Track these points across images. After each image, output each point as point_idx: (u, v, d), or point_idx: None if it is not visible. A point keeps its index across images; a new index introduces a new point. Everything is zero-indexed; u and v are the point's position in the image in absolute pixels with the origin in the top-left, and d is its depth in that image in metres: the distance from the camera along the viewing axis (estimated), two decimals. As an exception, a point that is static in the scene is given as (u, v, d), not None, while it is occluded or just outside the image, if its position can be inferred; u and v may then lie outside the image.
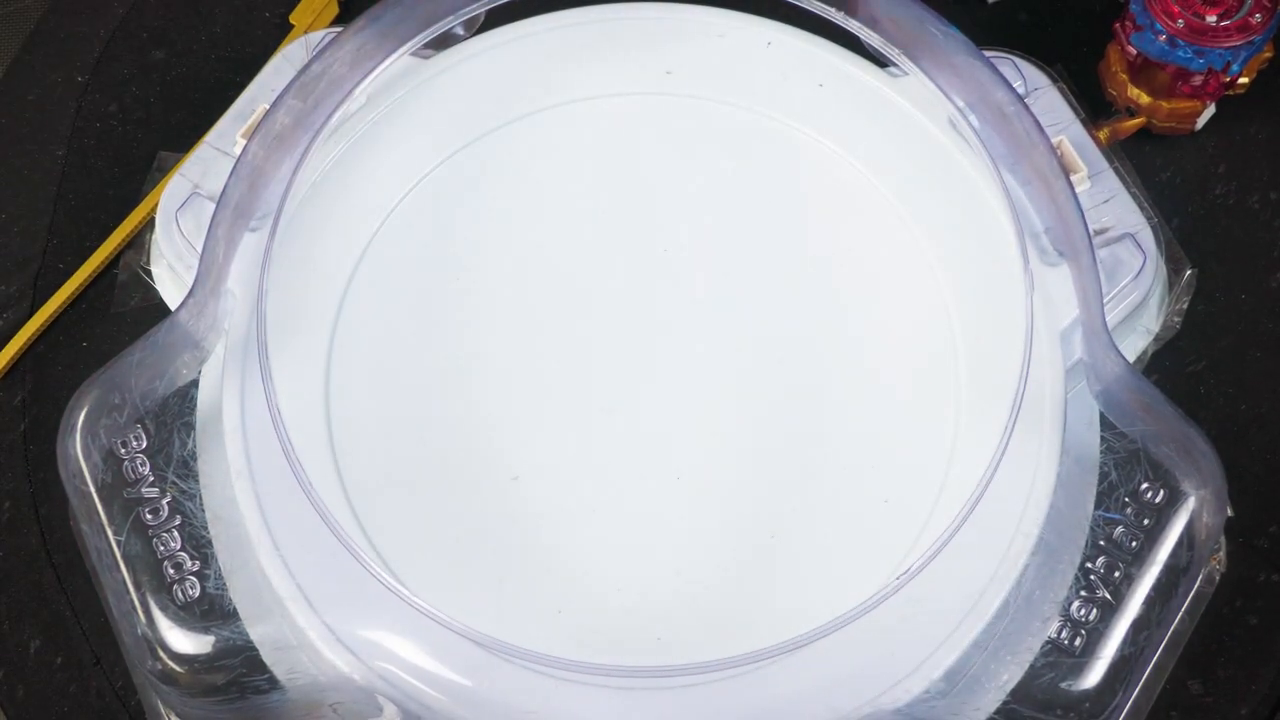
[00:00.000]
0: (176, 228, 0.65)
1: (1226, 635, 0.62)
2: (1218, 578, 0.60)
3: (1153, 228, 0.64)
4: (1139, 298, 0.63)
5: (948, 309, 0.62)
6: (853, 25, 0.65)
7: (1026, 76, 0.67)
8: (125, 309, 0.70)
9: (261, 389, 0.58)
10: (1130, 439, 0.59)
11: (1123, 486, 0.58)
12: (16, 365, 0.69)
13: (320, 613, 0.56)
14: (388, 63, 0.66)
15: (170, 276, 0.67)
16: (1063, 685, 0.56)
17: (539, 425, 0.61)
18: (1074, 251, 0.60)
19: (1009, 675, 0.57)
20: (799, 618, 0.54)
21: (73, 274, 0.70)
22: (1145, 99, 0.70)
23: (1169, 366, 0.67)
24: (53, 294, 0.70)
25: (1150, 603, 0.56)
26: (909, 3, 0.63)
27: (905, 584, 0.54)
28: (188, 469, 0.60)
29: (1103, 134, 0.69)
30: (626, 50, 0.68)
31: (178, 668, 0.56)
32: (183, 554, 0.58)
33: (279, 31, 0.77)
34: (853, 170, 0.65)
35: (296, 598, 0.56)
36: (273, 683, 0.57)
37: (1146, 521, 0.57)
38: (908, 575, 0.54)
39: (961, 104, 0.63)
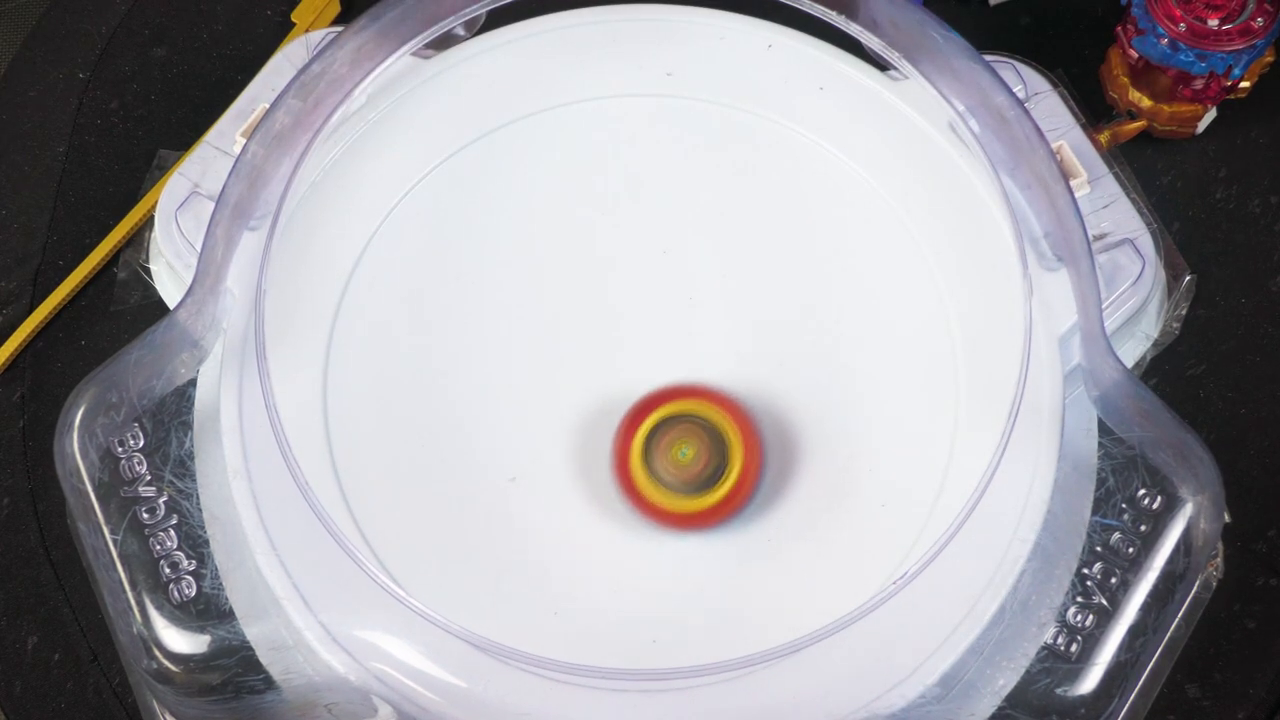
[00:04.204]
0: (176, 226, 0.65)
1: (1224, 639, 0.62)
2: (1215, 583, 0.60)
3: (1152, 233, 0.64)
4: (1138, 303, 0.62)
5: (946, 313, 0.61)
6: (853, 28, 0.65)
7: (1027, 81, 0.67)
8: (124, 307, 0.70)
9: (259, 388, 0.58)
10: (1128, 445, 0.59)
11: (1120, 492, 0.58)
12: (16, 362, 0.69)
13: (316, 613, 0.56)
14: (388, 63, 0.66)
15: (169, 275, 0.67)
16: (1059, 691, 0.56)
17: (537, 426, 0.61)
18: (1073, 256, 0.60)
19: (1005, 681, 0.57)
20: (795, 621, 0.55)
21: (72, 271, 0.70)
22: (1146, 102, 0.70)
23: (1168, 370, 0.67)
24: (52, 291, 0.70)
25: (1147, 609, 0.56)
26: (909, 6, 0.63)
27: (901, 588, 0.54)
28: (185, 468, 0.60)
29: (1104, 137, 0.69)
30: (627, 52, 0.67)
31: (173, 667, 0.56)
32: (179, 553, 0.58)
33: (280, 30, 0.77)
34: (852, 173, 0.64)
35: (293, 598, 0.56)
36: (268, 683, 0.57)
37: (1143, 528, 0.57)
38: (904, 580, 0.54)
39: (961, 108, 0.63)
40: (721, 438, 0.59)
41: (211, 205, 0.62)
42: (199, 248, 0.61)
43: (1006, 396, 0.57)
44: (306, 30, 0.75)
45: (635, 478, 0.59)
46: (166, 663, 0.56)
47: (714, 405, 0.60)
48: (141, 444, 0.59)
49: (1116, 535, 0.57)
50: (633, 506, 0.59)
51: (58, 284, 0.70)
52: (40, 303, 0.70)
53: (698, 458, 0.58)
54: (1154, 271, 0.63)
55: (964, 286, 0.62)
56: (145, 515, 0.58)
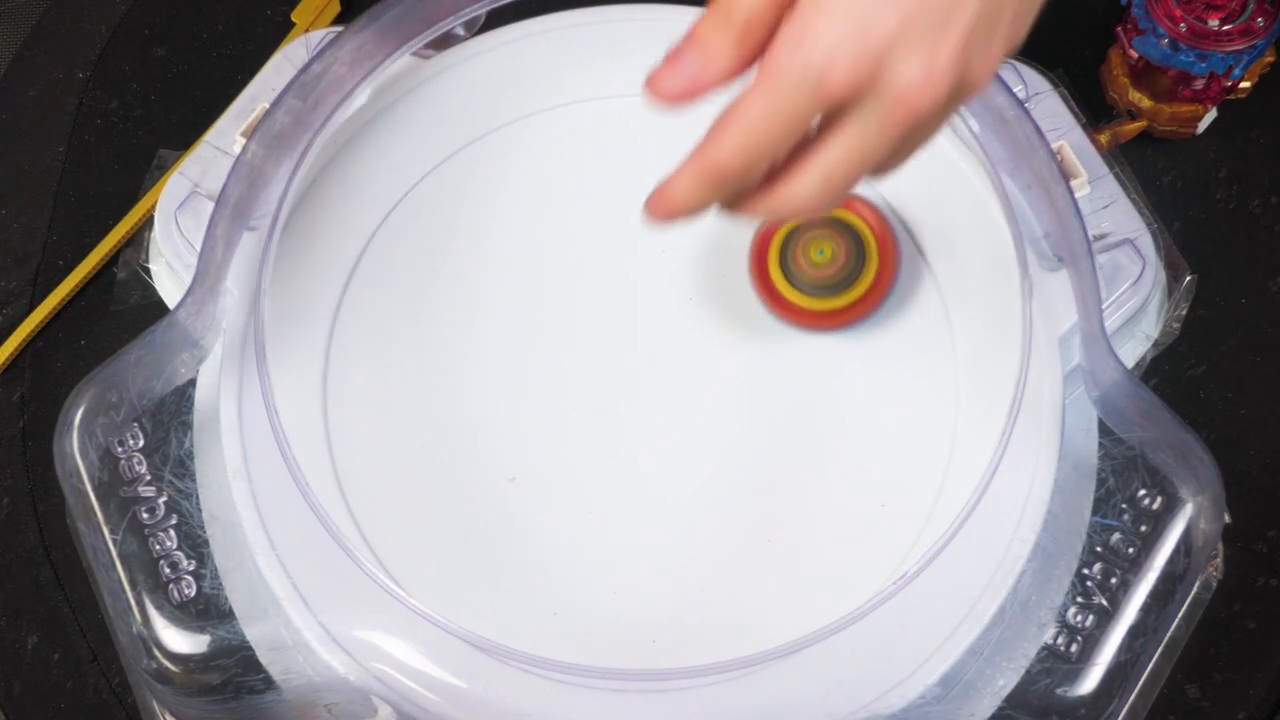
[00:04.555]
0: (175, 226, 0.65)
1: (1224, 639, 0.62)
2: (1215, 584, 0.60)
3: (1152, 233, 0.64)
4: (1138, 303, 0.62)
5: (947, 313, 0.62)
6: (854, 28, 0.65)
7: (1027, 81, 0.67)
8: (124, 307, 0.70)
9: (259, 389, 0.58)
10: (1128, 445, 0.59)
11: (1120, 493, 0.58)
12: (16, 361, 0.69)
13: (316, 613, 0.56)
14: (388, 63, 0.66)
15: (169, 275, 0.67)
16: (1059, 691, 0.56)
17: (536, 427, 0.61)
18: (1073, 257, 0.60)
19: (1005, 681, 0.57)
20: (795, 622, 0.54)
21: (72, 271, 0.70)
22: (1147, 103, 0.70)
23: (1168, 371, 0.67)
24: (52, 290, 0.70)
25: (1147, 609, 0.56)
26: (910, 6, 0.63)
27: (902, 589, 0.54)
28: (184, 468, 0.60)
29: (1104, 137, 0.69)
30: (627, 51, 0.67)
31: (173, 667, 0.56)
32: (179, 553, 0.58)
33: (281, 29, 0.77)
34: (852, 173, 0.64)
35: (292, 598, 0.56)
36: (268, 683, 0.57)
37: (1144, 528, 0.57)
38: (904, 580, 0.54)
39: (962, 108, 0.63)
40: (860, 240, 0.61)
41: (211, 205, 0.62)
42: (199, 248, 0.61)
43: (1007, 396, 0.57)
44: (306, 30, 0.75)
45: (773, 278, 0.61)
46: (166, 663, 0.56)
47: (854, 212, 0.62)
48: (141, 444, 0.59)
49: (1116, 535, 0.57)
50: (770, 308, 0.61)
51: (58, 284, 0.70)
52: (40, 303, 0.70)
53: (834, 258, 0.60)
54: (1154, 272, 0.63)
55: (964, 287, 0.62)
56: (145, 515, 0.58)
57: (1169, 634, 0.56)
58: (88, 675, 0.63)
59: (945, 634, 0.56)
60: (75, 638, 0.64)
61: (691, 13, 0.68)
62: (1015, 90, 0.63)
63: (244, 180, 0.62)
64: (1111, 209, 0.64)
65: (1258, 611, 0.62)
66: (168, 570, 0.57)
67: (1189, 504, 0.57)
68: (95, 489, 0.58)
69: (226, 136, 0.67)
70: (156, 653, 0.56)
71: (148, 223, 0.70)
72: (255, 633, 0.58)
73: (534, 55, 0.68)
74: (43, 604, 0.65)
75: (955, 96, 0.40)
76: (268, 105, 0.64)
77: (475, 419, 0.61)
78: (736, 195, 0.42)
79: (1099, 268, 0.60)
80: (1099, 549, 0.57)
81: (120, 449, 0.59)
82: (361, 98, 0.66)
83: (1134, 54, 0.69)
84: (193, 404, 0.61)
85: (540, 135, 0.66)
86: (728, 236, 0.64)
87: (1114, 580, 0.57)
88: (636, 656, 0.56)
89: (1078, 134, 0.66)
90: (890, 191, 0.64)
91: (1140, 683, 0.56)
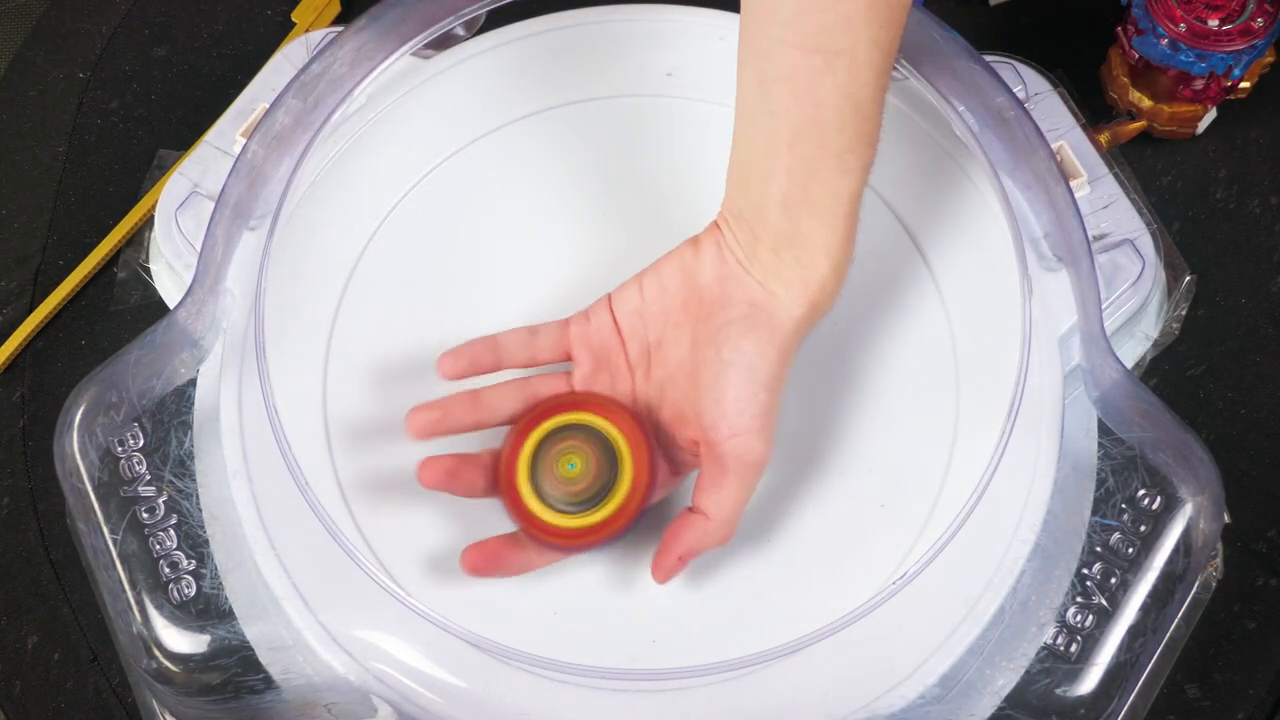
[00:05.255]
0: (176, 226, 0.65)
1: (1224, 639, 0.62)
2: (1214, 584, 0.60)
3: (1152, 234, 0.64)
4: (1138, 304, 0.63)
5: (946, 314, 0.61)
6: (853, 28, 0.65)
7: (1027, 81, 0.67)
8: (124, 306, 0.70)
9: (259, 388, 0.58)
10: (1128, 445, 0.59)
11: (1120, 493, 0.58)
12: (16, 361, 0.69)
13: (316, 613, 0.56)
14: (388, 63, 0.66)
15: (169, 274, 0.67)
16: (1058, 691, 0.56)
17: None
18: (1073, 257, 0.60)
19: (1005, 681, 0.57)
20: (795, 622, 0.55)
21: (72, 271, 0.70)
22: (1147, 103, 0.70)
23: (1168, 370, 0.67)
24: (52, 290, 0.70)
25: (1146, 609, 0.56)
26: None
27: (901, 589, 0.54)
28: (184, 468, 0.60)
29: (1104, 137, 0.69)
30: (627, 52, 0.67)
31: (173, 667, 0.56)
32: (179, 553, 0.58)
33: (281, 29, 0.77)
34: (852, 173, 0.64)
35: (292, 598, 0.56)
36: (268, 683, 0.57)
37: (1143, 528, 0.57)
38: (904, 580, 0.54)
39: (961, 108, 0.63)
40: (612, 449, 0.56)
41: (211, 205, 0.62)
42: (199, 248, 0.61)
43: (1006, 396, 0.57)
44: (306, 30, 0.75)
45: (523, 495, 0.56)
46: (166, 663, 0.56)
47: (605, 416, 0.57)
48: (141, 444, 0.59)
49: (1116, 535, 0.57)
50: (521, 526, 0.56)
51: (58, 284, 0.70)
52: (40, 303, 0.70)
53: (585, 471, 0.56)
54: (1154, 272, 0.63)
55: (963, 287, 0.62)
56: (145, 515, 0.58)
57: (1169, 634, 0.56)
58: (88, 675, 0.63)
59: (945, 634, 0.56)
60: (75, 638, 0.64)
61: (691, 13, 0.68)
62: (1015, 90, 0.63)
63: (244, 180, 0.62)
64: (1111, 209, 0.64)
65: (1258, 611, 0.63)
66: (168, 570, 0.57)
67: (1189, 504, 0.57)
68: (95, 489, 0.58)
69: (226, 136, 0.67)
70: (156, 653, 0.56)
71: (148, 223, 0.70)
72: (255, 633, 0.58)
73: (534, 55, 0.68)
74: (43, 604, 0.65)
75: None
76: (268, 105, 0.64)
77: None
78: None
79: (1099, 268, 0.60)
80: (1099, 549, 0.57)
81: (120, 449, 0.59)
82: (362, 98, 0.66)
83: (1134, 54, 0.69)
84: (193, 404, 0.61)
85: (540, 135, 0.66)
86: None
87: (1114, 580, 0.57)
88: (636, 656, 0.56)
89: (1077, 134, 0.66)
90: (891, 192, 0.64)
91: (1140, 683, 0.56)
